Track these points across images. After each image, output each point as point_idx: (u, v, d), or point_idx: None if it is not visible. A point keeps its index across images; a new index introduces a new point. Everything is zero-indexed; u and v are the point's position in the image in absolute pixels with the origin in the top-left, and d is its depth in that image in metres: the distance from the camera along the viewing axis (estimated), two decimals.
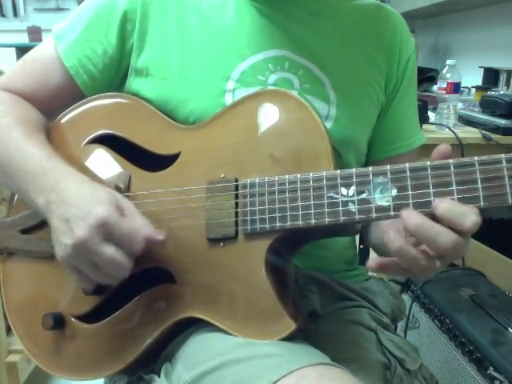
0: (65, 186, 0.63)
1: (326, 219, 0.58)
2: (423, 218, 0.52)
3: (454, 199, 0.52)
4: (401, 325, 1.40)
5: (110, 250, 0.58)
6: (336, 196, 0.58)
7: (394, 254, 0.54)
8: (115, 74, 0.78)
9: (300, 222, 0.59)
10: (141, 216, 0.61)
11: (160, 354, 0.69)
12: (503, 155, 0.51)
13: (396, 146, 0.83)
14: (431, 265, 0.53)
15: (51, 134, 0.76)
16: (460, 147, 1.41)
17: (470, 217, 0.51)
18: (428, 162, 0.54)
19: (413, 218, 0.52)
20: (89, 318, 0.70)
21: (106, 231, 0.58)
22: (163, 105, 0.74)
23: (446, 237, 0.51)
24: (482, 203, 0.52)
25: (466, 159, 0.53)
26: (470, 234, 0.52)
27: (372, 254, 1.65)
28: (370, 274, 0.92)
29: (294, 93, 0.69)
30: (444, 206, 0.51)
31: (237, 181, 0.64)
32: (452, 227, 0.51)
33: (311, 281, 0.79)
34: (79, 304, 0.70)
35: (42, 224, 0.73)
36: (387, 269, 0.56)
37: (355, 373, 0.58)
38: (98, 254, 0.58)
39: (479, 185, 0.52)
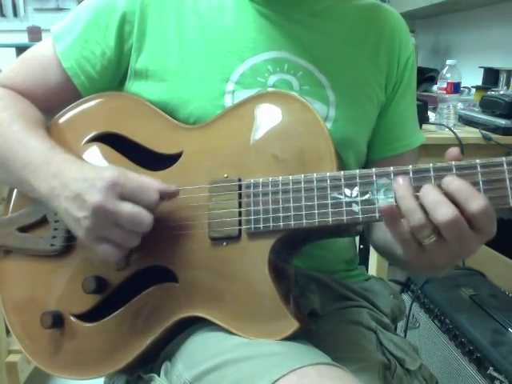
0: (68, 172, 0.63)
1: (330, 219, 0.58)
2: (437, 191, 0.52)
3: None
4: (401, 325, 1.40)
5: (128, 206, 0.59)
6: (339, 197, 0.58)
7: (404, 211, 0.53)
8: (114, 76, 0.78)
9: (304, 222, 0.59)
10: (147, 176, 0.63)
11: (160, 353, 0.69)
12: (504, 158, 0.53)
13: (395, 145, 0.83)
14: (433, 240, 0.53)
15: (50, 132, 0.75)
16: (460, 147, 1.41)
17: (478, 200, 0.51)
18: (431, 164, 0.55)
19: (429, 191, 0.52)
20: (88, 316, 0.69)
21: (119, 190, 0.59)
22: (163, 106, 0.74)
23: (446, 208, 0.51)
24: None
25: (467, 162, 0.54)
26: (477, 222, 0.52)
27: (372, 255, 1.65)
28: (370, 274, 0.92)
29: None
30: (457, 183, 0.52)
31: (240, 180, 0.64)
32: (459, 207, 0.51)
33: (311, 281, 0.79)
34: (79, 303, 0.70)
35: (40, 222, 0.73)
36: (397, 222, 0.55)
37: (355, 373, 0.58)
38: (117, 212, 0.59)
39: (481, 187, 0.53)
